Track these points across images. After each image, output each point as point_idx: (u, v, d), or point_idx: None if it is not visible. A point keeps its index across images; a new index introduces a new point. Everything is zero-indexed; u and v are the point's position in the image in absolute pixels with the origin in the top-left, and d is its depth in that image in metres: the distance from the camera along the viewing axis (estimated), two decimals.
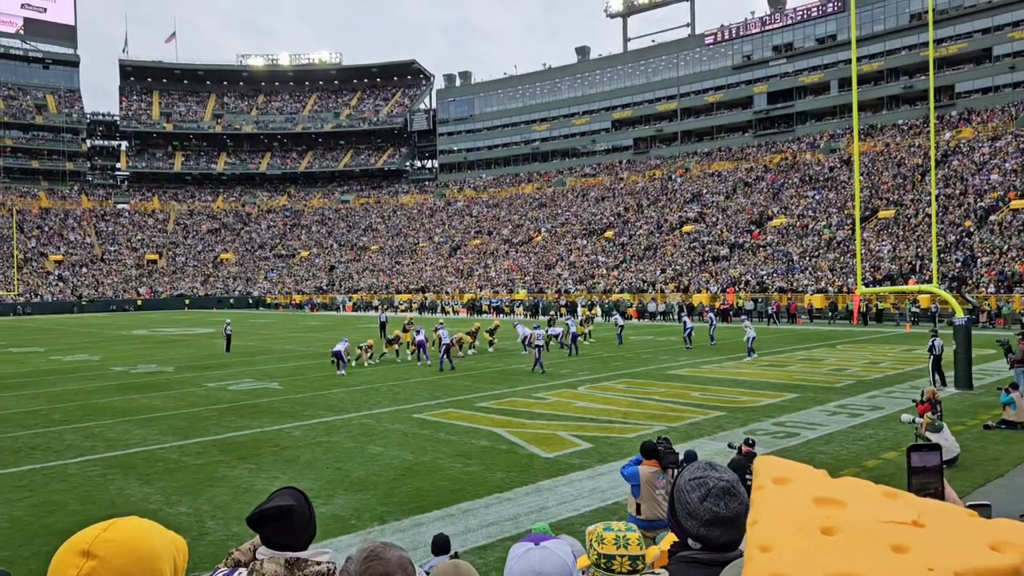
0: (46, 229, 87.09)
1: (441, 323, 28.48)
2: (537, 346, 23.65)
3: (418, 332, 26.85)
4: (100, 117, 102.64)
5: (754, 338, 26.20)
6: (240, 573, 2.29)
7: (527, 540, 2.15)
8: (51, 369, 26.88)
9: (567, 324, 29.67)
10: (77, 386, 22.24)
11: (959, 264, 43.47)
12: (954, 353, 18.66)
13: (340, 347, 24.20)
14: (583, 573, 2.67)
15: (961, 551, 0.91)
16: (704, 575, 1.70)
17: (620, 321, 32.97)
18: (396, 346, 28.31)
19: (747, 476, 8.06)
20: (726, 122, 79.84)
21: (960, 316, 19.19)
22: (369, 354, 26.49)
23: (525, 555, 1.99)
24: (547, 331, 30.81)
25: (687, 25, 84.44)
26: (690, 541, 1.81)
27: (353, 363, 25.73)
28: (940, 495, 1.32)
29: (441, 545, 5.79)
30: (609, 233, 70.04)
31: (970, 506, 1.96)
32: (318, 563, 2.16)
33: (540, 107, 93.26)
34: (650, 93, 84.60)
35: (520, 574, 1.98)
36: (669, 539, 3.09)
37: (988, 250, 43.76)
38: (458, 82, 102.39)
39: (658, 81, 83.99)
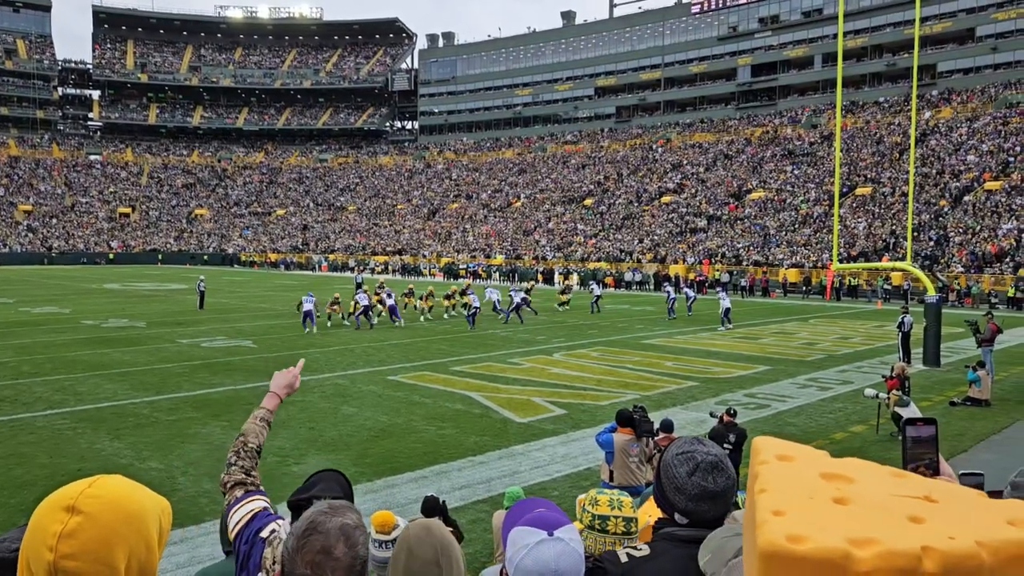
0: (15, 178, 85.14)
1: (364, 288, 28.66)
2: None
3: (389, 296, 26.90)
4: (72, 65, 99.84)
5: (729, 308, 26.41)
6: (279, 524, 2.07)
7: (532, 523, 1.71)
8: (20, 321, 26.47)
9: (510, 293, 29.04)
10: (47, 338, 21.94)
11: (932, 243, 43.98)
12: (924, 330, 18.95)
13: (308, 306, 24.03)
14: None
15: (979, 524, 0.91)
16: (685, 553, 1.67)
17: (597, 291, 33.00)
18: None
19: (724, 445, 8.23)
20: (709, 93, 79.60)
21: (932, 294, 19.47)
22: (337, 309, 26.25)
23: (538, 547, 1.65)
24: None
25: None
26: (677, 516, 1.78)
27: (328, 323, 25.62)
28: (935, 467, 1.31)
29: (431, 507, 5.67)
30: (588, 201, 69.94)
31: (962, 474, 1.98)
32: None
33: (523, 71, 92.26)
34: (634, 61, 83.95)
35: (532, 570, 1.64)
36: (648, 507, 3.11)
37: (961, 230, 44.29)
38: (441, 43, 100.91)
39: (643, 49, 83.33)
